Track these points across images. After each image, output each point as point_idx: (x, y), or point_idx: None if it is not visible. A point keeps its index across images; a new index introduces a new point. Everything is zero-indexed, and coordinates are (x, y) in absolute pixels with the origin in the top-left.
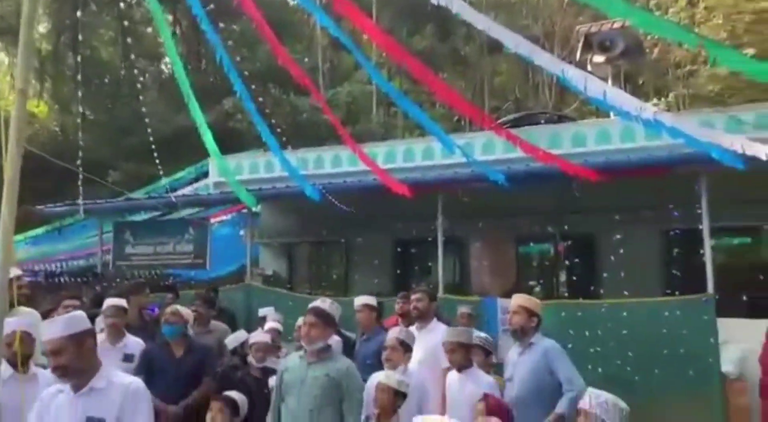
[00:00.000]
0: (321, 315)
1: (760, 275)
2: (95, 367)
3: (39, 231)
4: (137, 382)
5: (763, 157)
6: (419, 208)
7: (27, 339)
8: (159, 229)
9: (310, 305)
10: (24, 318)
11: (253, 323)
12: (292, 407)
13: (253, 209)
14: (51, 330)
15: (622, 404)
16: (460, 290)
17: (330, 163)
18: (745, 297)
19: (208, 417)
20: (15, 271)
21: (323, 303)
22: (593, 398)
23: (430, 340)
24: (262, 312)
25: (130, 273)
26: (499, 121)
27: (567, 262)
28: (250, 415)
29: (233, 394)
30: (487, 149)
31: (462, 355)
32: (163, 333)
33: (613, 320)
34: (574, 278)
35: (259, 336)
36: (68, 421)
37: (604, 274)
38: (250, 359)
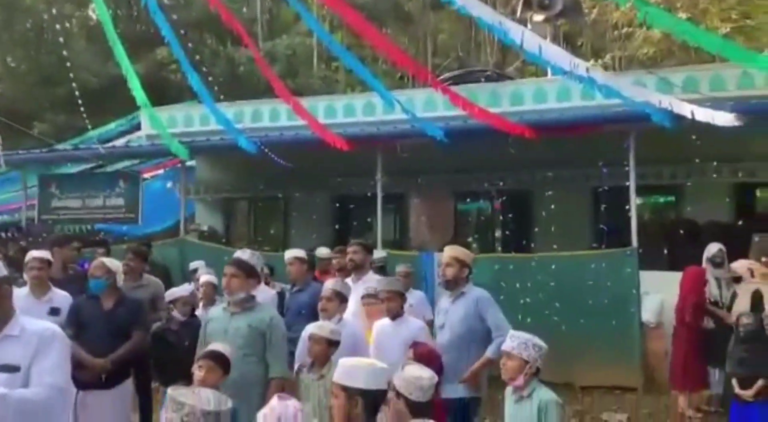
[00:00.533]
0: (242, 266)
1: (681, 230)
2: (9, 315)
3: None
4: (53, 327)
5: (689, 116)
6: (359, 163)
7: None
8: (88, 183)
9: (232, 257)
10: None
11: (188, 279)
12: None
13: (187, 163)
14: None
15: (540, 342)
16: (399, 245)
17: (268, 117)
18: (666, 251)
19: (197, 377)
20: None
21: (243, 254)
22: (514, 339)
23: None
24: (193, 265)
25: (58, 228)
26: (440, 78)
27: (502, 218)
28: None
29: (218, 348)
30: (428, 106)
31: (397, 303)
32: (90, 288)
33: (543, 273)
34: (508, 233)
35: (182, 290)
36: None
37: (536, 229)
38: (175, 313)
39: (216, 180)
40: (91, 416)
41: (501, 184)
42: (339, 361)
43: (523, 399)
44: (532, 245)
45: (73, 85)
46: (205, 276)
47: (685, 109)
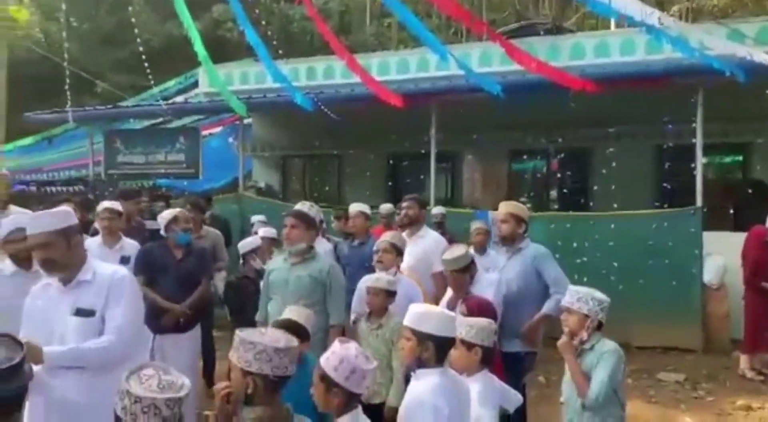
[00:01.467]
0: (301, 217)
1: (747, 190)
2: (82, 260)
3: (28, 140)
4: (122, 271)
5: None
6: (412, 121)
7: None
8: (150, 138)
9: (293, 208)
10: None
11: (246, 232)
12: (278, 306)
13: (245, 120)
14: (38, 224)
15: (600, 295)
16: (451, 203)
17: (322, 74)
18: (731, 212)
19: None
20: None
21: (303, 206)
22: (573, 294)
23: (420, 246)
24: (254, 218)
25: (122, 182)
26: (498, 32)
27: (559, 176)
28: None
29: (294, 315)
30: (484, 61)
31: (463, 281)
32: (179, 239)
33: (601, 232)
34: (566, 192)
35: (254, 241)
36: (58, 313)
37: (595, 188)
38: (254, 263)
39: (272, 137)
40: (168, 359)
41: (559, 140)
42: (410, 307)
43: (585, 352)
44: (591, 204)
45: (138, 41)
46: (263, 230)
47: (765, 58)
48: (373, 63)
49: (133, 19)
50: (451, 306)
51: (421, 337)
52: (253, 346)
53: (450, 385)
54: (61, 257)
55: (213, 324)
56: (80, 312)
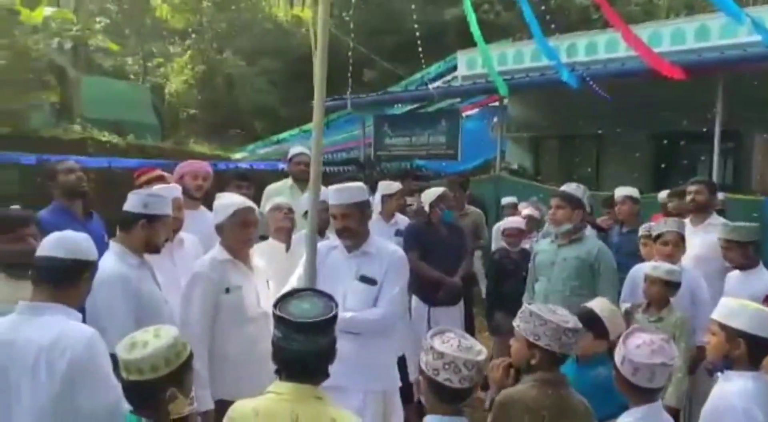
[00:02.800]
0: (567, 197)
1: None
2: (367, 234)
3: (311, 125)
4: (400, 253)
5: None
6: (689, 95)
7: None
8: (414, 121)
9: (559, 189)
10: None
11: (501, 213)
12: (544, 287)
13: (504, 102)
14: (341, 197)
15: None
16: (735, 189)
17: (584, 50)
18: None
19: None
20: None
21: (569, 186)
22: None
23: (708, 235)
24: (504, 200)
25: (388, 163)
26: None
27: None
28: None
29: (597, 306)
30: None
31: (738, 253)
32: (445, 217)
33: None
34: None
35: (515, 221)
36: (344, 275)
37: None
38: (502, 243)
39: (527, 118)
40: None
41: None
42: (721, 300)
43: None
44: None
45: (415, 26)
46: (526, 210)
47: None
48: (643, 34)
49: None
50: None
51: (732, 334)
52: (544, 322)
53: (765, 393)
54: (356, 226)
55: (473, 299)
56: (364, 279)
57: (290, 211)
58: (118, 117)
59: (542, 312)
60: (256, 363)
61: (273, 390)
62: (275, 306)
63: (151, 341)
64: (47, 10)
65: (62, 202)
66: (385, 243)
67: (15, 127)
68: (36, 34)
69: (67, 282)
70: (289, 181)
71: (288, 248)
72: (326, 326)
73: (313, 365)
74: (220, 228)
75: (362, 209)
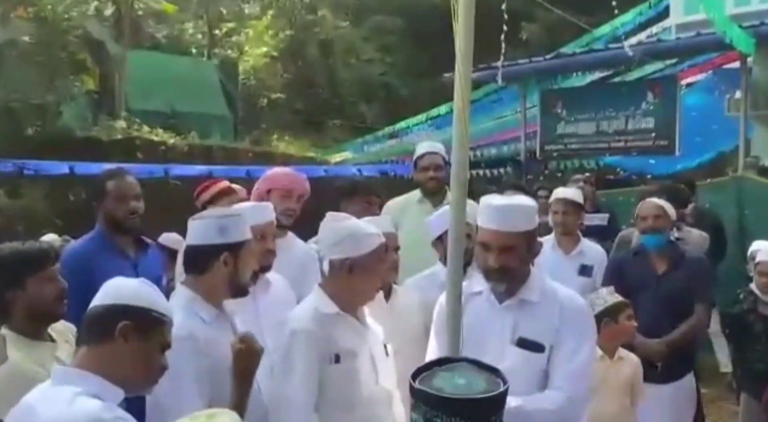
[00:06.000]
0: None
1: None
2: (528, 272)
3: (442, 109)
4: (578, 298)
5: None
6: None
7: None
8: (603, 98)
9: None
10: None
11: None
12: None
13: (748, 60)
14: (502, 219)
15: None
16: None
17: None
18: None
19: None
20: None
21: None
22: None
23: None
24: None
25: (563, 161)
26: None
27: None
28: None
29: None
30: None
31: None
32: (643, 242)
33: None
34: None
35: None
36: (492, 337)
37: None
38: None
39: None
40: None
41: None
42: None
43: None
44: None
45: None
46: None
47: None
48: None
49: None
50: None
51: None
52: None
53: None
54: (517, 266)
55: (700, 373)
56: (524, 344)
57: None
58: (176, 107)
59: None
60: None
61: None
62: (414, 378)
63: None
64: None
65: (106, 229)
66: (554, 284)
67: (42, 125)
68: None
69: (100, 337)
70: (416, 194)
71: (388, 296)
72: (493, 408)
73: None
74: (340, 269)
75: (530, 241)
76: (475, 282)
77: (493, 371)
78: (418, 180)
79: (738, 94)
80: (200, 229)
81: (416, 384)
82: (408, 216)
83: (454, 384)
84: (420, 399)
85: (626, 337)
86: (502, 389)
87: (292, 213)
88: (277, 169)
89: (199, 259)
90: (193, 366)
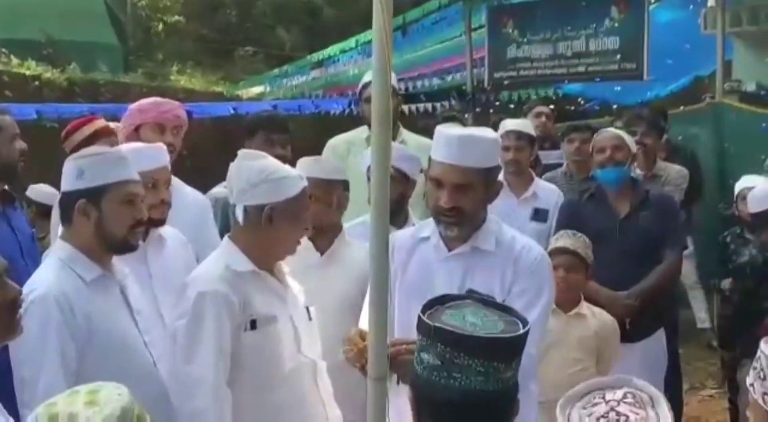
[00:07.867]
0: None
1: None
2: (482, 220)
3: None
4: (539, 249)
5: None
6: None
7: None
8: (562, 14)
9: None
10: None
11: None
12: None
13: None
14: (460, 152)
15: None
16: None
17: None
18: None
19: None
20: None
21: None
22: None
23: None
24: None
25: (515, 91)
26: None
27: None
28: None
29: None
30: None
31: None
32: (598, 179)
33: None
34: None
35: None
36: (438, 290)
37: None
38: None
39: None
40: None
41: None
42: None
43: None
44: None
45: None
46: None
47: None
48: None
49: None
50: None
51: None
52: None
53: None
54: (471, 208)
55: (678, 330)
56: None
57: (330, 184)
58: (52, 35)
59: None
60: None
61: None
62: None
63: (81, 413)
64: None
65: None
66: (512, 232)
67: None
68: None
69: None
70: (364, 131)
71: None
72: (516, 351)
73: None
74: (257, 218)
75: (489, 180)
76: (425, 226)
77: (504, 309)
78: (364, 114)
79: (713, 4)
80: (64, 173)
81: (429, 321)
82: (355, 156)
83: (468, 322)
84: (436, 337)
85: (580, 287)
86: (523, 330)
87: (173, 150)
88: (142, 100)
89: (62, 208)
90: (59, 334)
